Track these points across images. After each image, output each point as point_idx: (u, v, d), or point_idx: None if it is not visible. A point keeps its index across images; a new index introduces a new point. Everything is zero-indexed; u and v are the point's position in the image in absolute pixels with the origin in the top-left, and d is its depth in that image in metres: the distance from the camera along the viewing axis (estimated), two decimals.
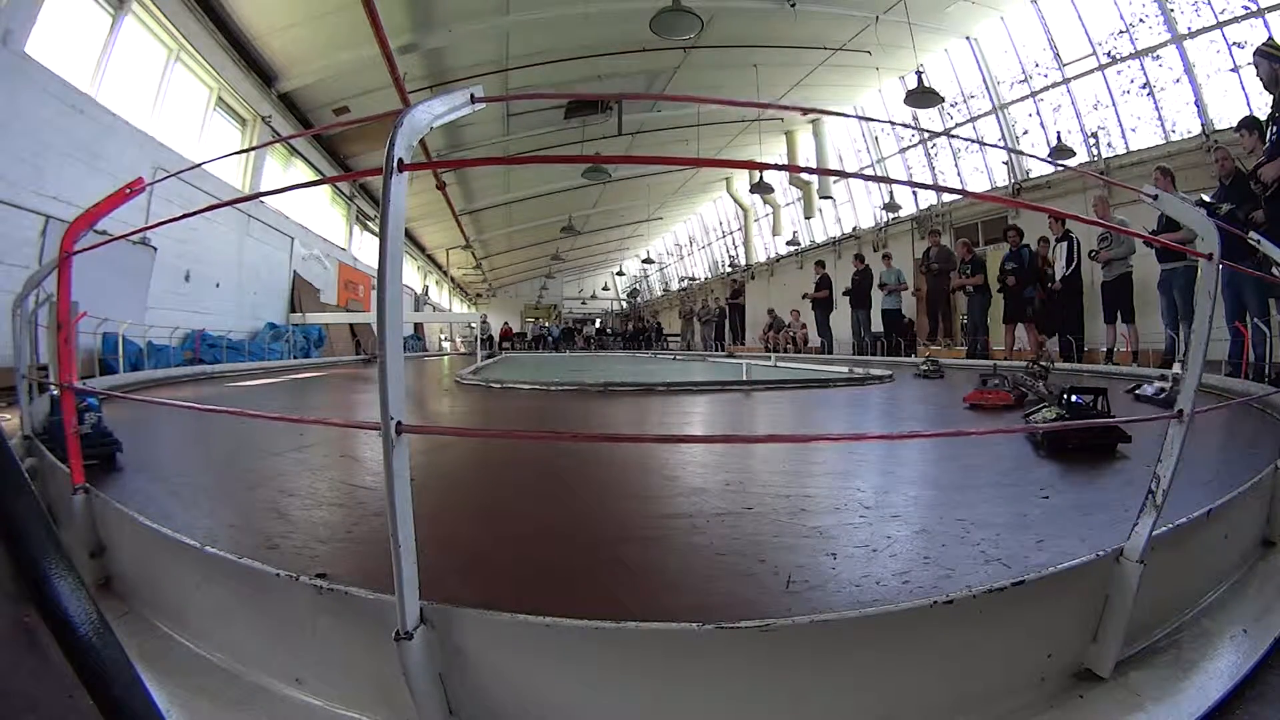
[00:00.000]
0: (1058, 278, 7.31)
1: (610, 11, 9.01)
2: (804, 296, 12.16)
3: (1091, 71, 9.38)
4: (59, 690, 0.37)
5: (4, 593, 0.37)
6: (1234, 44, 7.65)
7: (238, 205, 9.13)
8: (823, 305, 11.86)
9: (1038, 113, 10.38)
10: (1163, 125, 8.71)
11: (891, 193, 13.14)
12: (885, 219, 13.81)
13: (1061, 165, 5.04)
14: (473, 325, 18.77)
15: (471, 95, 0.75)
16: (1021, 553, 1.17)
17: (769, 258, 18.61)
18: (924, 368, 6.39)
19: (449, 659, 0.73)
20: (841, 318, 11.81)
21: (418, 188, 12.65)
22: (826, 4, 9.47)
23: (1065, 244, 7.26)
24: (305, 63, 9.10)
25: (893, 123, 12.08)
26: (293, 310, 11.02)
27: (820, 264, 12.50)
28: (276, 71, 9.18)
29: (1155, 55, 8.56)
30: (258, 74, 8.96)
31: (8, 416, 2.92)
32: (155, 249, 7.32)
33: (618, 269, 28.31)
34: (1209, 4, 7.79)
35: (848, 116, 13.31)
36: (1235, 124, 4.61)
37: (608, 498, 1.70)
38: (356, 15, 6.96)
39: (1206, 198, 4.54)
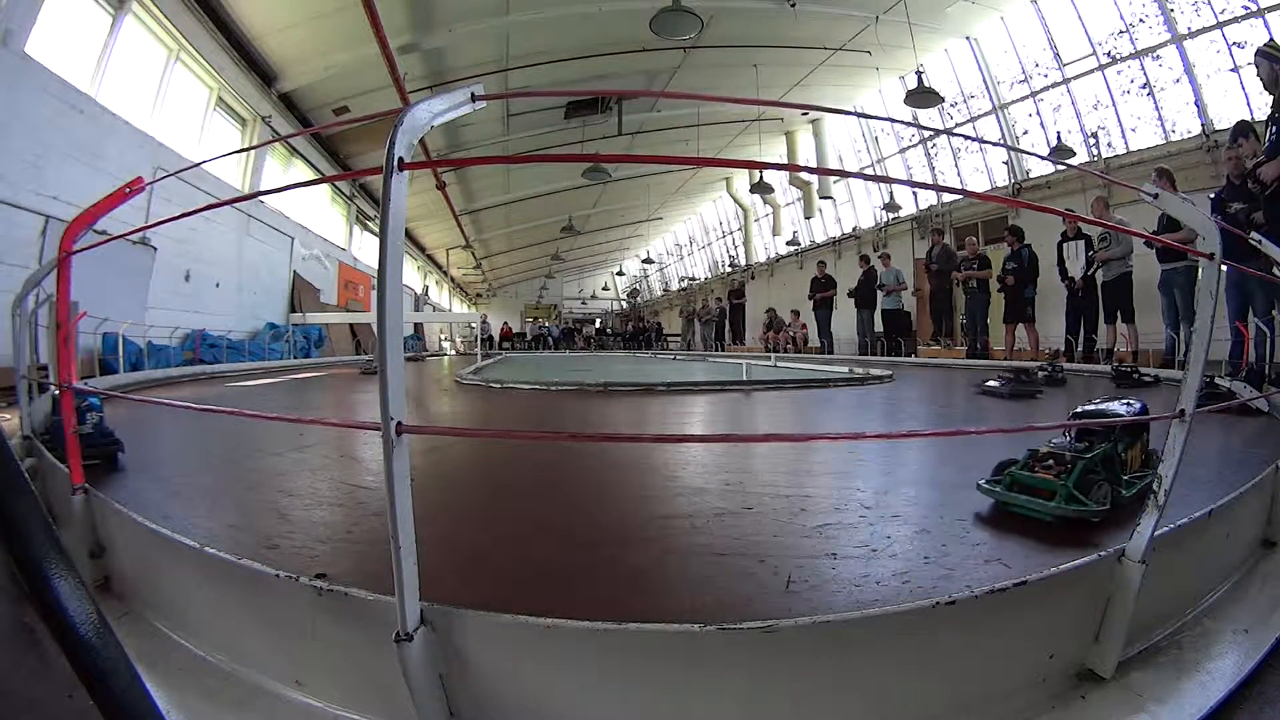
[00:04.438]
0: (1077, 277, 7.21)
1: (610, 11, 9.01)
2: (809, 296, 12.15)
3: (1091, 71, 9.38)
4: (59, 690, 0.37)
5: (4, 593, 0.37)
6: (1234, 44, 7.65)
7: (238, 205, 9.13)
8: (826, 305, 11.86)
9: (1038, 113, 10.38)
10: (1163, 125, 8.71)
11: (891, 193, 13.14)
12: (885, 219, 13.81)
13: (1062, 165, 5.04)
14: (473, 325, 18.79)
15: (472, 94, 0.75)
16: (1021, 553, 1.17)
17: (769, 258, 18.62)
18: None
19: (449, 660, 0.73)
20: (842, 318, 11.81)
21: (417, 188, 12.66)
22: (826, 4, 9.47)
23: (1082, 241, 7.16)
24: (305, 63, 9.10)
25: (893, 120, 12.09)
26: (293, 310, 11.02)
27: (822, 264, 12.51)
28: (276, 71, 9.18)
29: (1155, 55, 8.56)
30: (258, 74, 8.96)
31: (8, 416, 2.91)
32: (155, 249, 7.32)
33: (618, 269, 28.31)
34: (1209, 4, 7.79)
35: (848, 114, 13.32)
36: (1230, 134, 4.57)
37: (608, 498, 1.70)
38: (356, 15, 6.96)
39: (1217, 194, 4.52)
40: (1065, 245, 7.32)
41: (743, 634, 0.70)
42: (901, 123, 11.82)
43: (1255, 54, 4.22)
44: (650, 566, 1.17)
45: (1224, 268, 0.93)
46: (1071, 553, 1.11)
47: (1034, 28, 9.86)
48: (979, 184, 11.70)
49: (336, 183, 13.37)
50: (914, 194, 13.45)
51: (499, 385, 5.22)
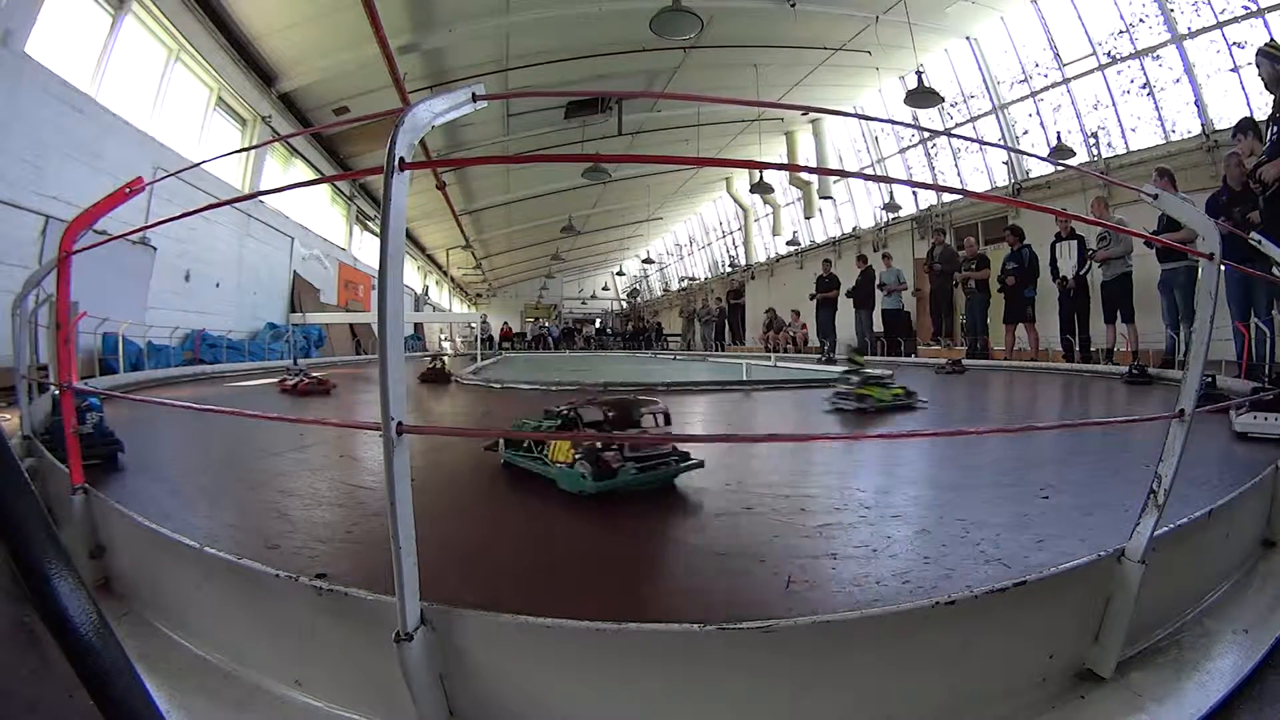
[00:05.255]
0: (1070, 277, 7.21)
1: (610, 11, 9.02)
2: (811, 297, 12.11)
3: (1091, 71, 9.38)
4: (59, 690, 0.37)
5: (4, 593, 0.37)
6: (1234, 44, 7.65)
7: (238, 205, 9.13)
8: (829, 305, 11.84)
9: (1038, 113, 10.38)
10: (1163, 125, 8.71)
11: (891, 193, 13.14)
12: (885, 219, 13.81)
13: (1062, 165, 5.07)
14: (472, 325, 18.79)
15: (473, 94, 0.75)
16: (1021, 553, 1.17)
17: (769, 258, 18.62)
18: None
19: (449, 660, 0.73)
20: (842, 317, 11.79)
21: (418, 188, 12.66)
22: (826, 4, 9.47)
23: (1075, 242, 7.18)
24: (305, 63, 9.10)
25: (893, 121, 12.10)
26: (293, 310, 11.02)
27: (827, 262, 12.49)
28: (276, 71, 9.18)
29: (1155, 55, 8.56)
30: (258, 74, 8.96)
31: (8, 416, 2.91)
32: (155, 249, 7.32)
33: (618, 269, 28.30)
34: (1209, 4, 7.79)
35: (848, 115, 13.35)
36: (1232, 129, 4.59)
37: (607, 498, 1.70)
38: (356, 15, 6.96)
39: (1213, 196, 4.53)
40: (1058, 245, 7.33)
41: (742, 634, 0.70)
42: (901, 124, 11.81)
43: (1256, 54, 4.23)
44: (650, 566, 1.17)
45: (1224, 267, 0.93)
46: (1070, 553, 1.11)
47: (1034, 28, 9.85)
48: (979, 184, 11.70)
49: (336, 183, 13.37)
50: (914, 194, 13.45)
51: (499, 385, 5.22)
